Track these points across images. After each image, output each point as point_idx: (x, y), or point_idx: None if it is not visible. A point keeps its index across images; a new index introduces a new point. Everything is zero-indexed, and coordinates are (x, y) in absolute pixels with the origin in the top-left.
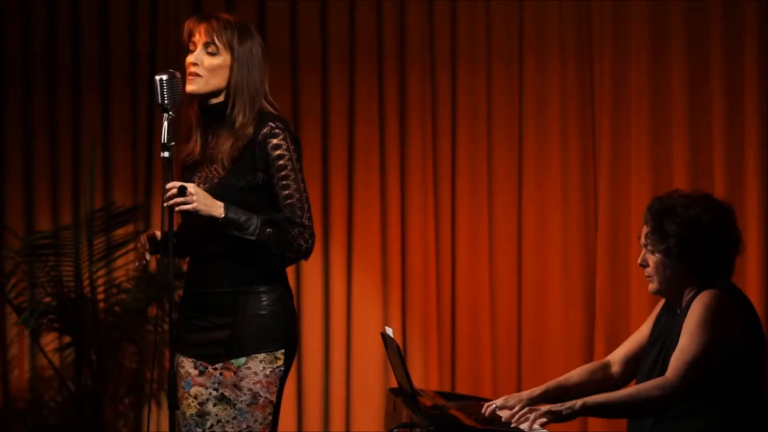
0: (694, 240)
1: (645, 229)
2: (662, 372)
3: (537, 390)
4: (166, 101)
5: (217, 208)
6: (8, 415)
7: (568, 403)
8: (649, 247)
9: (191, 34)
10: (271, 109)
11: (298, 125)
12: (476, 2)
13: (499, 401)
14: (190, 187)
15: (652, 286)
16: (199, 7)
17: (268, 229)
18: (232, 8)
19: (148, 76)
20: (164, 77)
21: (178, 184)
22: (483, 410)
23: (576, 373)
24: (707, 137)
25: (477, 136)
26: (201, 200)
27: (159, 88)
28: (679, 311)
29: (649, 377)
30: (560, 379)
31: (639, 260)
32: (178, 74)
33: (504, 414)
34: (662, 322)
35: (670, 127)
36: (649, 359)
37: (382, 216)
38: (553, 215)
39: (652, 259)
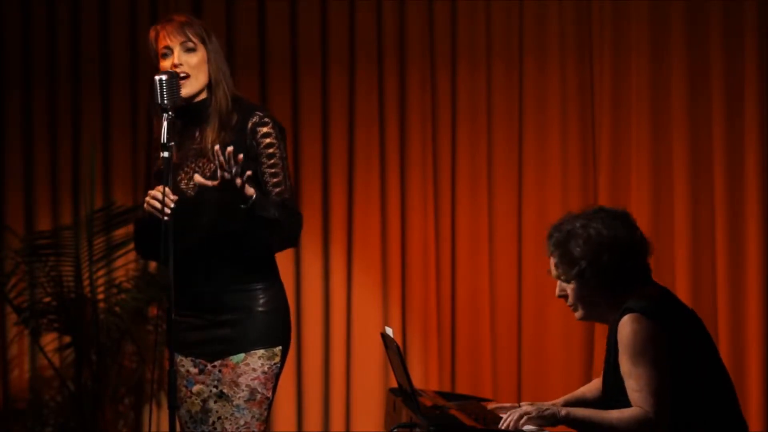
0: (602, 255)
1: (552, 261)
2: (605, 387)
3: (557, 401)
4: (165, 101)
5: (248, 188)
6: (8, 415)
7: (552, 408)
8: (562, 277)
9: (158, 41)
10: (239, 94)
11: (298, 125)
12: (476, 2)
13: (506, 405)
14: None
15: (578, 314)
16: (198, 7)
17: (283, 212)
18: (231, 8)
19: (148, 76)
20: (164, 77)
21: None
22: (497, 411)
23: (588, 390)
24: (707, 137)
25: (477, 136)
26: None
27: (159, 88)
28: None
29: (604, 391)
30: (578, 393)
31: (557, 292)
32: (178, 74)
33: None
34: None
35: (670, 127)
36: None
37: (382, 216)
38: (553, 215)
39: (569, 288)
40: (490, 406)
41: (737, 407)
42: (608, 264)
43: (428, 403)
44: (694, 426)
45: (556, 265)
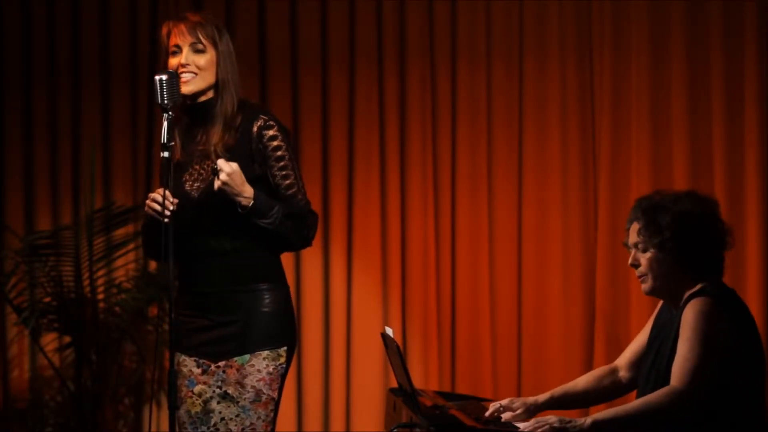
0: (688, 231)
1: (636, 227)
2: (658, 373)
3: (542, 397)
4: (166, 101)
5: (246, 192)
6: (8, 415)
7: (578, 421)
8: (640, 246)
9: (169, 38)
10: (244, 97)
11: (298, 125)
12: (476, 2)
13: (504, 401)
14: (232, 166)
15: (646, 286)
16: (199, 7)
17: (288, 222)
18: (232, 8)
19: (148, 76)
20: (164, 77)
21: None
22: (489, 412)
23: (583, 380)
24: (707, 137)
25: (477, 136)
26: (235, 179)
27: (159, 88)
28: (675, 311)
29: (647, 379)
30: (566, 385)
31: (630, 261)
32: (178, 74)
33: (506, 416)
34: (660, 322)
35: (670, 127)
36: (647, 360)
37: (382, 216)
38: (553, 215)
39: (644, 258)
40: (489, 410)
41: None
42: (690, 241)
43: (428, 403)
44: (723, 417)
45: (638, 232)
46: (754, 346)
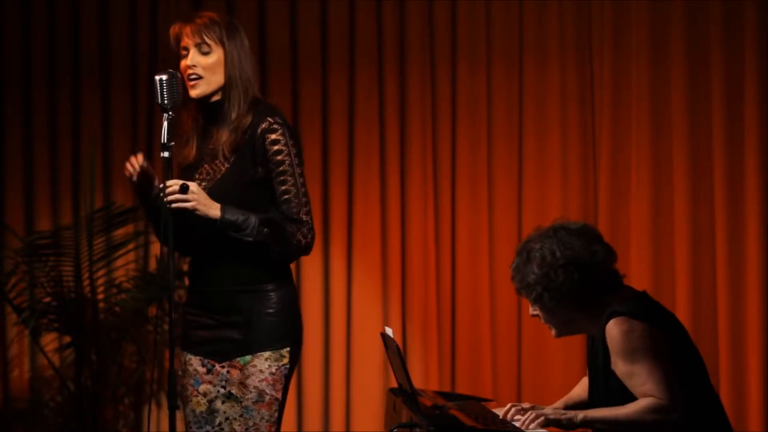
0: (556, 277)
1: (515, 285)
2: (596, 395)
3: (557, 404)
4: (166, 101)
5: (214, 210)
6: (8, 415)
7: (570, 413)
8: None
9: (179, 39)
10: (260, 97)
11: (298, 125)
12: (476, 2)
13: (526, 405)
14: (192, 185)
15: (553, 333)
16: (199, 7)
17: (265, 229)
18: (232, 8)
19: (148, 76)
20: (164, 77)
21: (179, 182)
22: (510, 412)
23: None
24: (707, 137)
25: (477, 136)
26: (201, 200)
27: (159, 88)
28: (595, 339)
29: (592, 399)
30: (575, 395)
31: (530, 312)
32: (178, 74)
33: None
34: (589, 360)
35: (670, 127)
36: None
37: (382, 216)
38: (553, 215)
39: (537, 310)
40: (508, 415)
41: (722, 408)
42: (564, 284)
43: (428, 403)
44: (691, 410)
45: (518, 291)
46: (681, 337)
